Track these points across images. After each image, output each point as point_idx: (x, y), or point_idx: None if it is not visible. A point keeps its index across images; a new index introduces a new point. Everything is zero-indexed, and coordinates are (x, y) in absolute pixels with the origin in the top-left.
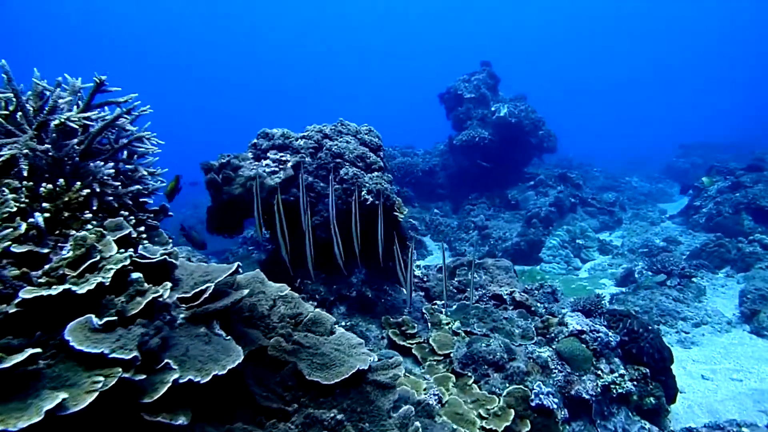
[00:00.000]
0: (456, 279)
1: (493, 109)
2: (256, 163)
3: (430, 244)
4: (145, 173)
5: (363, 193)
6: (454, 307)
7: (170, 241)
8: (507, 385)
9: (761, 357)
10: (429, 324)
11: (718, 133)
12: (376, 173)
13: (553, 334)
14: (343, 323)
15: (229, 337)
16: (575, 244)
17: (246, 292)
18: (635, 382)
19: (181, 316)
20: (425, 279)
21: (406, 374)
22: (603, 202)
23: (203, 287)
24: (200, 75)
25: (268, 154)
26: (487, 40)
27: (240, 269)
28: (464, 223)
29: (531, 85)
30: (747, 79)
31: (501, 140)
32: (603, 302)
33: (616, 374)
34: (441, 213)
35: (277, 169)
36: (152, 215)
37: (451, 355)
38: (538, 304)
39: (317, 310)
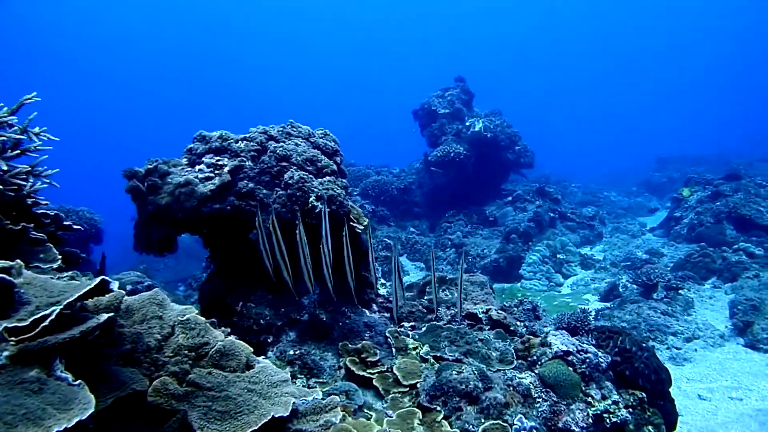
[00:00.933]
0: (426, 297)
1: (467, 123)
2: (189, 168)
3: (407, 263)
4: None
5: (311, 199)
6: (423, 328)
7: (58, 258)
8: (482, 420)
9: (759, 372)
10: (393, 349)
11: (694, 146)
12: (327, 177)
13: (535, 357)
14: (292, 351)
15: (79, 382)
16: (556, 259)
17: (105, 317)
18: (631, 409)
19: (4, 354)
20: (391, 299)
21: (365, 410)
22: (582, 216)
23: (45, 312)
24: (166, 92)
25: (203, 159)
26: (462, 57)
27: (110, 283)
28: (441, 240)
29: (506, 102)
30: (721, 94)
31: (477, 156)
32: (590, 318)
33: (609, 401)
34: (417, 231)
35: (211, 174)
36: (37, 228)
37: (418, 385)
38: (518, 323)
39: (230, 338)
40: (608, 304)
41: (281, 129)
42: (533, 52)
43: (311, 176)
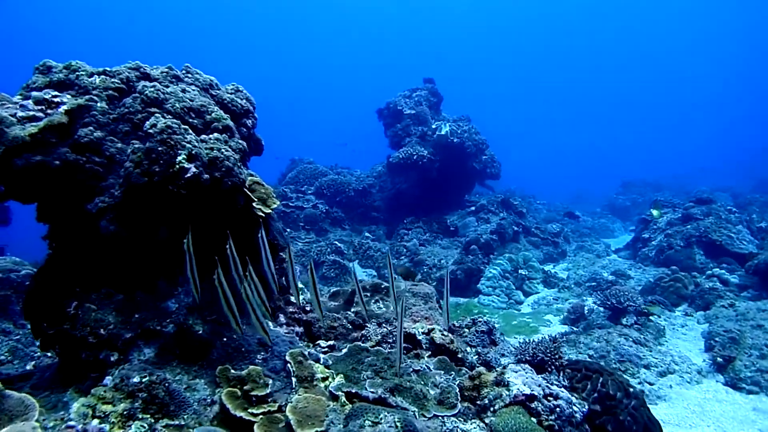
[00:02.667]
0: (353, 309)
1: (434, 126)
2: (11, 106)
3: (358, 270)
4: None
5: (179, 159)
6: (344, 350)
7: None
8: None
9: (745, 418)
10: (294, 379)
11: (652, 172)
12: (216, 135)
13: (486, 400)
14: (138, 378)
15: None
16: (518, 275)
17: None
18: None
19: None
20: (308, 308)
21: None
22: (547, 232)
23: None
24: None
25: (32, 93)
26: (434, 64)
27: None
28: (396, 247)
29: (475, 112)
30: (682, 122)
31: (442, 161)
32: (561, 351)
33: None
34: (373, 237)
35: (39, 114)
36: None
37: None
38: (469, 349)
39: None
40: (572, 327)
41: (167, 71)
42: (506, 67)
43: (187, 129)
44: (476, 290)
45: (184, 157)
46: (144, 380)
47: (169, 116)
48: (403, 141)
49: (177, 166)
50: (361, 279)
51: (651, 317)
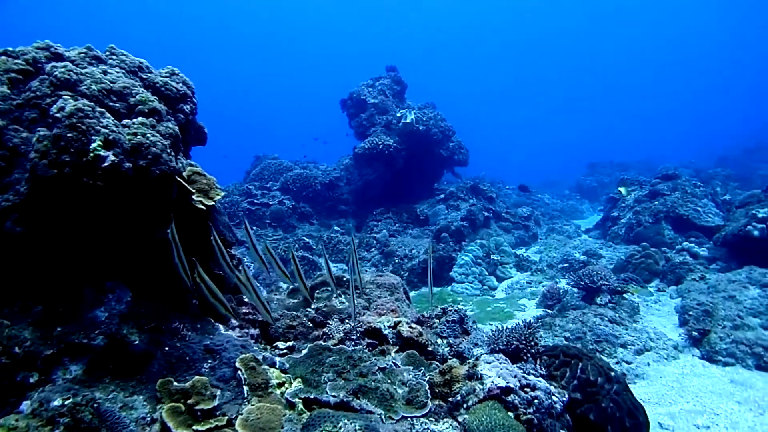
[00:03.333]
0: (314, 305)
1: (399, 114)
2: None
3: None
4: None
5: (94, 145)
6: (304, 351)
7: None
8: None
9: (723, 391)
10: (246, 387)
11: (620, 154)
12: (140, 119)
13: (459, 396)
14: (60, 401)
15: None
16: (490, 260)
17: None
18: None
19: None
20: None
21: None
22: (518, 216)
23: None
24: None
25: None
26: (396, 51)
27: None
28: (366, 240)
29: (440, 101)
30: (648, 102)
31: (408, 150)
32: (536, 336)
33: None
34: (342, 231)
35: None
36: None
37: None
38: (439, 341)
39: None
40: (547, 311)
41: (85, 51)
42: (471, 53)
43: (103, 113)
44: (449, 278)
45: (100, 143)
46: (67, 402)
47: (84, 99)
48: (368, 131)
49: (92, 154)
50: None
51: (625, 295)
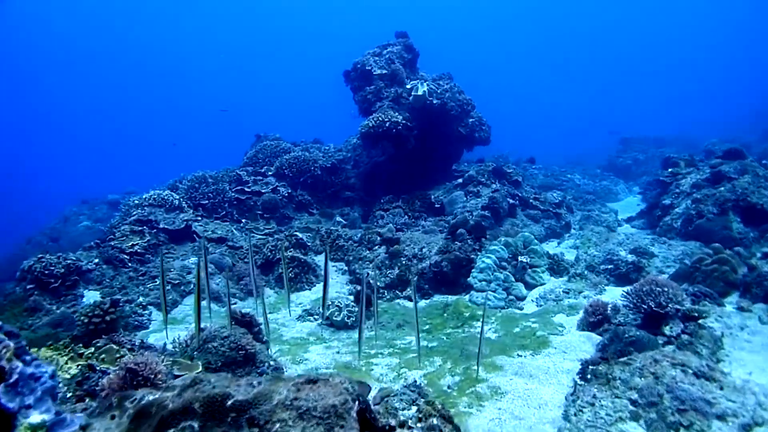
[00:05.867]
0: None
1: (409, 86)
2: None
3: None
4: None
5: None
6: None
7: None
8: None
9: None
10: None
11: (652, 129)
12: None
13: None
14: None
15: None
16: (517, 263)
17: None
18: None
19: None
20: None
21: None
22: (548, 202)
23: None
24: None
25: None
26: (409, 15)
27: None
28: (368, 235)
29: (456, 73)
30: (685, 74)
31: (421, 127)
32: None
33: None
34: (345, 221)
35: None
36: None
37: None
38: None
39: None
40: (592, 335)
41: None
42: (490, 20)
43: None
44: (466, 285)
45: None
46: None
47: None
48: (373, 106)
49: None
50: (312, 279)
51: (701, 321)
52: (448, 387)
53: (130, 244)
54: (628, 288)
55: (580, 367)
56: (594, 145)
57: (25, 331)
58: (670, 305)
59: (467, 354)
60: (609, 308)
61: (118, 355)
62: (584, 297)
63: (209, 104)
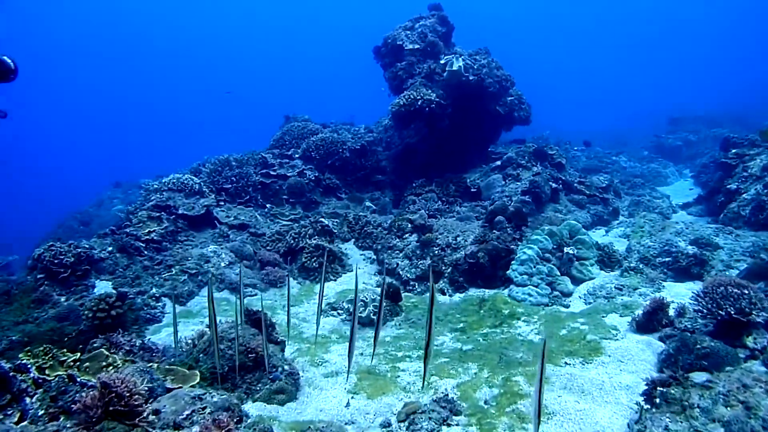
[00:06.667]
0: None
1: (443, 61)
2: None
3: (354, 253)
4: None
5: None
6: None
7: None
8: None
9: None
10: None
11: (705, 107)
12: None
13: None
14: None
15: None
16: (563, 254)
17: None
18: None
19: None
20: None
21: None
22: (593, 187)
23: None
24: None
25: None
26: None
27: None
28: (398, 222)
29: (492, 48)
30: (731, 52)
31: (456, 105)
32: None
33: None
34: (375, 206)
35: None
36: None
37: None
38: None
39: None
40: (652, 339)
41: None
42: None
43: None
44: (505, 279)
45: None
46: None
47: None
48: (405, 83)
49: None
50: (350, 264)
51: None
52: (485, 402)
53: (147, 231)
54: (697, 289)
55: (644, 385)
56: (637, 124)
57: (29, 325)
58: (754, 311)
59: (507, 360)
60: (671, 309)
61: (105, 363)
62: (640, 295)
63: (243, 85)
